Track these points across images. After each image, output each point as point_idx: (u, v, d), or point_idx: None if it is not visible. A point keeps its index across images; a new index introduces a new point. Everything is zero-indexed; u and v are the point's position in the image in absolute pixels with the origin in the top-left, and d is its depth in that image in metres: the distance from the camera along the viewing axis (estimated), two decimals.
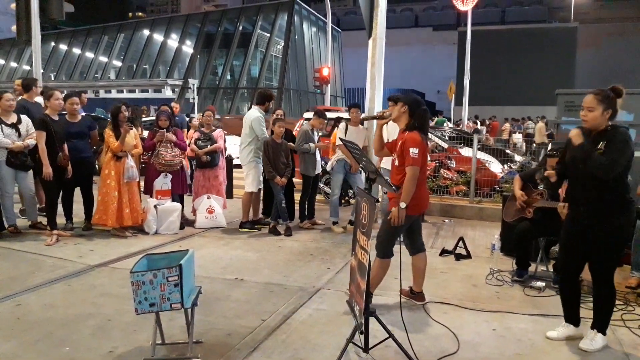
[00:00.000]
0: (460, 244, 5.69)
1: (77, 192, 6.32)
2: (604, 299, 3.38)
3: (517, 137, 19.91)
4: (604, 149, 3.18)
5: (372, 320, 3.12)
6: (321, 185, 8.55)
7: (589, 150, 3.19)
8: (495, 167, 8.99)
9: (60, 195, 6.09)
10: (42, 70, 10.12)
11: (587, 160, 3.18)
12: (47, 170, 5.66)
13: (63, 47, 37.86)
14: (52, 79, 34.86)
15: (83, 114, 6.90)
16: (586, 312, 3.64)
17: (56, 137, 5.73)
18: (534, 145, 14.18)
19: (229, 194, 8.18)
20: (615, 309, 3.51)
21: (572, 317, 3.54)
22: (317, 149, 6.91)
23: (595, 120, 3.23)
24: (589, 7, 50.49)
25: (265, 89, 7.28)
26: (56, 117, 5.87)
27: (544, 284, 4.56)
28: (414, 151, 3.67)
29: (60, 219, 6.13)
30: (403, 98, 3.92)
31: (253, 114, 6.52)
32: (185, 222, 6.66)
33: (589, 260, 3.40)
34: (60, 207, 6.12)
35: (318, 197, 7.77)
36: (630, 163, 3.23)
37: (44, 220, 6.15)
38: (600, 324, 3.39)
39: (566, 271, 3.51)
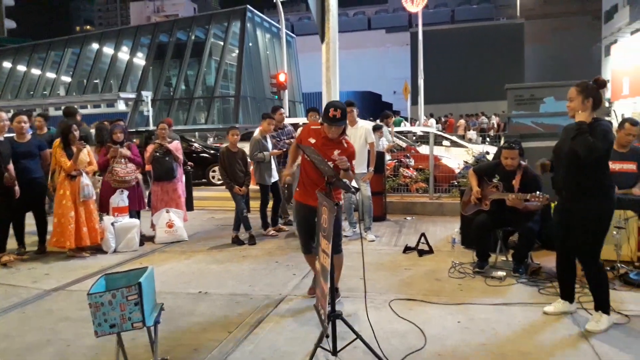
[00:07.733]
0: (423, 239, 5.77)
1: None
2: (596, 279, 3.55)
3: (471, 134, 20.54)
4: None
5: (339, 322, 3.13)
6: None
7: (583, 129, 3.38)
8: (452, 162, 9.20)
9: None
10: None
11: (578, 136, 3.38)
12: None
13: (7, 64, 36.39)
14: None
15: (31, 132, 6.64)
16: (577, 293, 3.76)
17: (0, 157, 5.49)
18: (488, 139, 14.68)
19: (190, 206, 8.02)
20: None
21: (567, 294, 3.80)
22: (272, 156, 6.87)
23: (577, 108, 3.47)
24: (534, 3, 52.41)
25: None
26: (1, 138, 5.62)
27: (504, 273, 4.68)
28: None
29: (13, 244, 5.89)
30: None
31: None
32: (144, 238, 6.50)
33: (572, 243, 3.60)
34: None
35: None
36: (609, 152, 3.48)
37: None
38: (602, 304, 3.55)
39: (562, 253, 3.76)
